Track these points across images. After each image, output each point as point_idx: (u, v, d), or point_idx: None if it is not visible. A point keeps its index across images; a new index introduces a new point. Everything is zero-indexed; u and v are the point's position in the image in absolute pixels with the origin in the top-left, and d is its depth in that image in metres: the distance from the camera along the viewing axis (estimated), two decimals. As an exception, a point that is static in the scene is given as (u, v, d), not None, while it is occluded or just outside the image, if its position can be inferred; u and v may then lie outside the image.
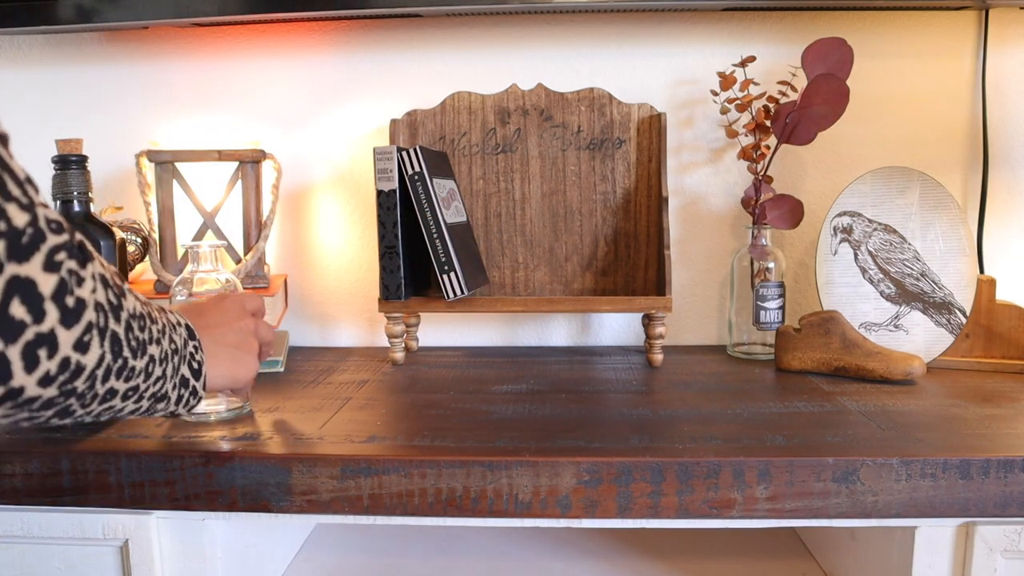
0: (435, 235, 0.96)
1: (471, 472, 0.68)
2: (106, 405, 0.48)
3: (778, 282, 1.04)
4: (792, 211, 1.03)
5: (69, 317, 0.41)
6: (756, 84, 1.06)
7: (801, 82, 0.99)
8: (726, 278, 1.17)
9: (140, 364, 0.50)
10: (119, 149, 1.19)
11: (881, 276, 0.99)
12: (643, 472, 0.67)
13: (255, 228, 1.06)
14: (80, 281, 0.42)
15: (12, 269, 0.37)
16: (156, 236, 1.04)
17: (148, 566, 0.72)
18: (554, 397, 0.88)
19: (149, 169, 1.04)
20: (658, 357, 1.02)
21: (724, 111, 1.06)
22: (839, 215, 1.00)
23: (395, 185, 0.97)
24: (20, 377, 0.39)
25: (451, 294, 0.97)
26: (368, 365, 1.05)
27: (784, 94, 1.03)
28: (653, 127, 1.08)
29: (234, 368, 0.67)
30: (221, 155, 1.04)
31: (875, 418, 0.78)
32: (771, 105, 1.03)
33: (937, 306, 0.97)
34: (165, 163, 1.03)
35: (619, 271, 1.10)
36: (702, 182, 1.15)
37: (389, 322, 1.03)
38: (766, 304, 1.03)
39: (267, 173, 1.12)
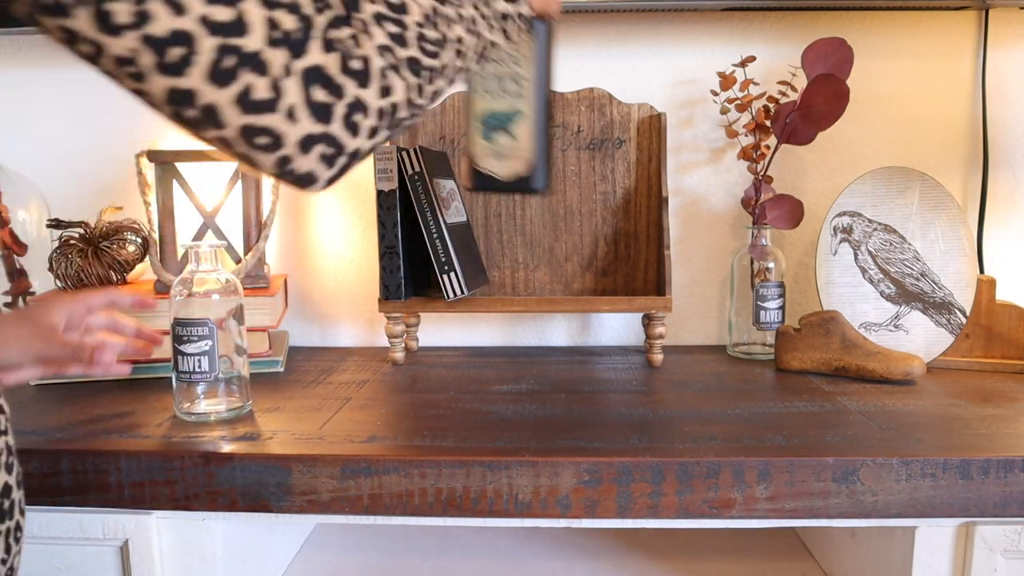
0: (435, 235, 0.96)
1: (471, 472, 0.68)
2: (433, 93, 0.52)
3: (778, 282, 1.04)
4: (792, 211, 1.03)
5: (363, 78, 0.45)
6: (756, 84, 1.06)
7: (801, 82, 0.99)
8: (726, 278, 1.17)
9: (447, 55, 0.52)
10: (119, 149, 1.18)
11: (881, 276, 0.99)
12: (643, 472, 0.67)
13: (255, 228, 1.06)
14: (359, 42, 0.46)
15: (300, 63, 0.43)
16: (156, 236, 1.04)
17: (148, 566, 0.72)
18: (554, 397, 0.88)
19: (149, 169, 1.04)
20: (658, 357, 1.02)
21: (724, 111, 1.06)
22: (839, 215, 1.00)
23: (395, 185, 0.97)
24: (351, 142, 0.46)
25: (451, 294, 0.97)
26: (368, 365, 1.05)
27: (784, 94, 1.03)
28: (653, 127, 1.08)
29: None
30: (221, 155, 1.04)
31: (875, 418, 0.78)
32: (771, 105, 1.03)
33: (937, 306, 0.97)
34: (165, 163, 1.03)
35: (619, 271, 1.10)
36: (702, 182, 1.15)
37: (389, 322, 1.03)
38: (766, 304, 1.03)
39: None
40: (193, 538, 0.72)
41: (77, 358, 0.70)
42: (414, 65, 0.49)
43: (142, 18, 0.39)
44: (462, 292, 0.97)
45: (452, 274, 0.96)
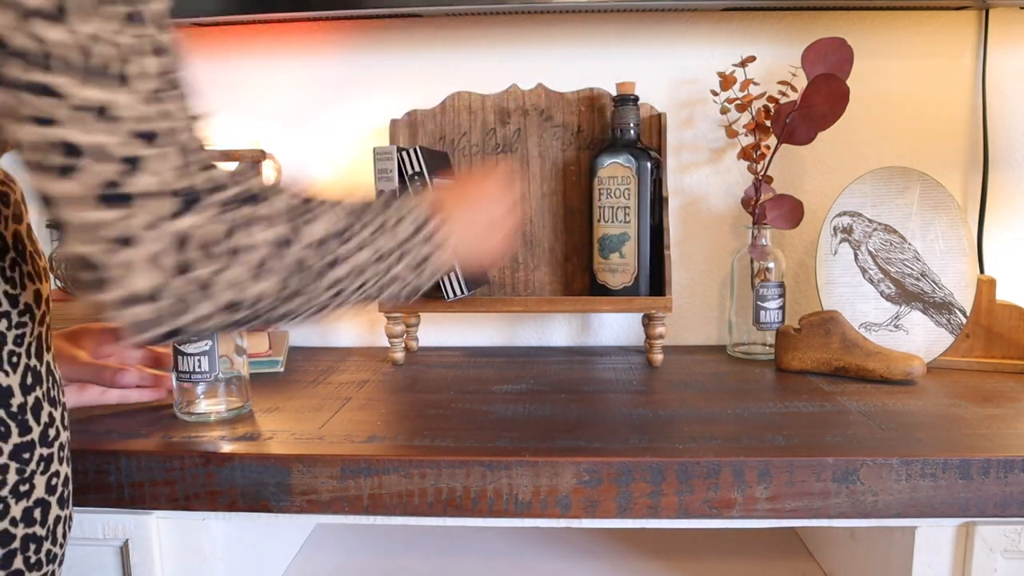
0: (435, 235, 0.96)
1: (471, 472, 0.68)
2: (309, 311, 0.52)
3: (778, 282, 1.04)
4: (792, 211, 1.03)
5: (238, 257, 0.45)
6: (756, 84, 1.06)
7: (801, 82, 0.99)
8: (726, 278, 1.17)
9: (340, 272, 0.52)
10: (119, 149, 1.18)
11: (881, 276, 0.99)
12: (643, 472, 0.67)
13: (255, 228, 1.06)
14: (251, 223, 0.46)
15: (182, 221, 0.43)
16: (156, 236, 1.04)
17: (148, 566, 0.72)
18: (554, 397, 0.88)
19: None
20: (658, 357, 1.02)
21: (724, 111, 1.06)
22: (839, 215, 1.00)
23: (395, 185, 0.97)
24: (195, 310, 0.44)
25: (451, 294, 0.97)
26: (368, 365, 1.05)
27: (784, 94, 1.03)
28: (653, 127, 1.08)
29: (483, 238, 0.67)
30: (221, 155, 1.04)
31: (875, 418, 0.78)
32: (771, 105, 1.03)
33: (937, 306, 0.97)
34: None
35: (619, 271, 1.10)
36: (702, 182, 1.15)
37: (389, 322, 1.03)
38: (766, 304, 1.03)
39: (267, 173, 1.12)
40: (193, 538, 0.72)
41: (98, 379, 0.72)
42: (297, 267, 0.49)
43: (55, 121, 0.40)
44: (462, 292, 0.97)
45: (452, 274, 0.96)
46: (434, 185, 0.70)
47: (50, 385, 0.56)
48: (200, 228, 0.44)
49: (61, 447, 0.56)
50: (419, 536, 1.03)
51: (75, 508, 0.71)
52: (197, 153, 0.46)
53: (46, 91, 0.40)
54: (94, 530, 0.72)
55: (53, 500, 0.55)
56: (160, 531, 0.72)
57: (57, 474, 0.56)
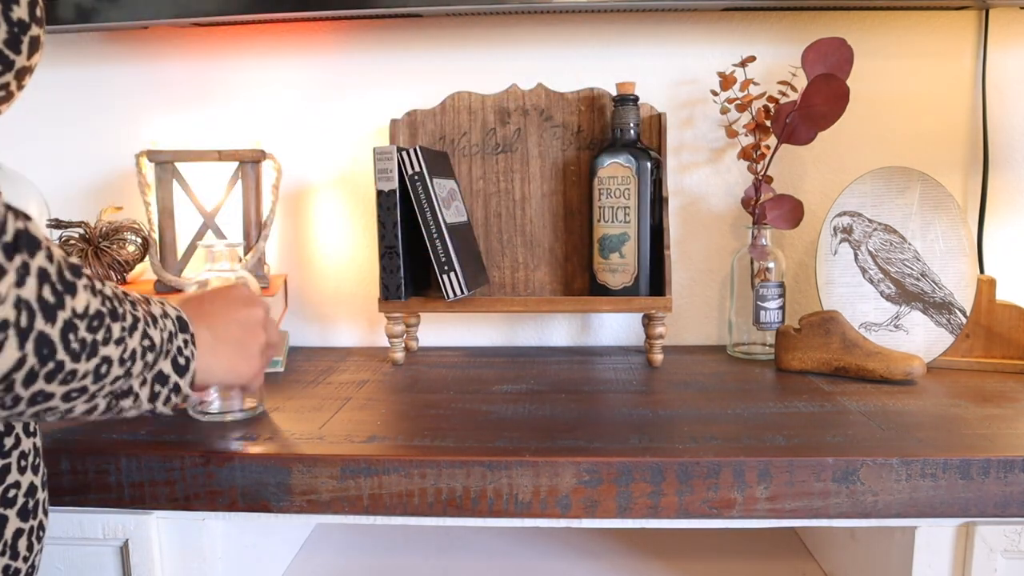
0: (435, 235, 0.96)
1: (471, 472, 0.68)
2: (39, 407, 0.45)
3: (778, 282, 1.04)
4: (792, 211, 1.03)
5: None
6: (756, 84, 1.06)
7: (801, 82, 0.99)
8: (726, 278, 1.17)
9: (86, 367, 0.45)
10: (119, 149, 1.19)
11: (881, 276, 0.99)
12: (643, 472, 0.67)
13: (255, 228, 1.06)
14: None
15: None
16: (156, 236, 1.04)
17: (148, 566, 0.72)
18: (554, 397, 0.88)
19: (149, 169, 1.04)
20: (658, 357, 1.02)
21: (724, 111, 1.06)
22: (839, 215, 1.00)
23: (395, 185, 0.97)
24: None
25: (451, 294, 0.97)
26: (368, 365, 1.05)
27: (784, 94, 1.03)
28: (653, 127, 1.08)
29: (236, 363, 0.62)
30: (221, 155, 1.04)
31: (875, 418, 0.78)
32: (771, 105, 1.03)
33: (937, 306, 0.97)
34: (165, 163, 1.03)
35: (619, 271, 1.10)
36: (702, 182, 1.15)
37: (389, 322, 1.03)
38: (766, 304, 1.03)
39: (267, 173, 1.12)
40: (193, 538, 0.72)
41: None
42: (44, 347, 0.42)
43: None
44: (462, 292, 0.97)
45: (452, 274, 0.96)
46: (182, 295, 0.64)
47: None
48: None
49: (23, 455, 0.53)
50: (419, 536, 1.03)
51: (75, 508, 0.71)
52: None
53: None
54: (94, 530, 0.72)
55: (11, 512, 0.52)
56: (160, 531, 0.72)
57: (16, 484, 0.52)
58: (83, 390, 0.46)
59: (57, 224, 1.01)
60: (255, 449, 0.70)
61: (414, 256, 1.03)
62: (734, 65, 1.04)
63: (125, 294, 0.51)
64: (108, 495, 0.70)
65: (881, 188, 1.00)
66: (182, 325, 0.56)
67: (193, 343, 0.57)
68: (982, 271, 1.09)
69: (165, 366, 0.54)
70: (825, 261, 1.00)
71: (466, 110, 1.11)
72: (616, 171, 1.00)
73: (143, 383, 0.53)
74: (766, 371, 0.99)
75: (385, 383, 0.95)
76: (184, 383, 0.56)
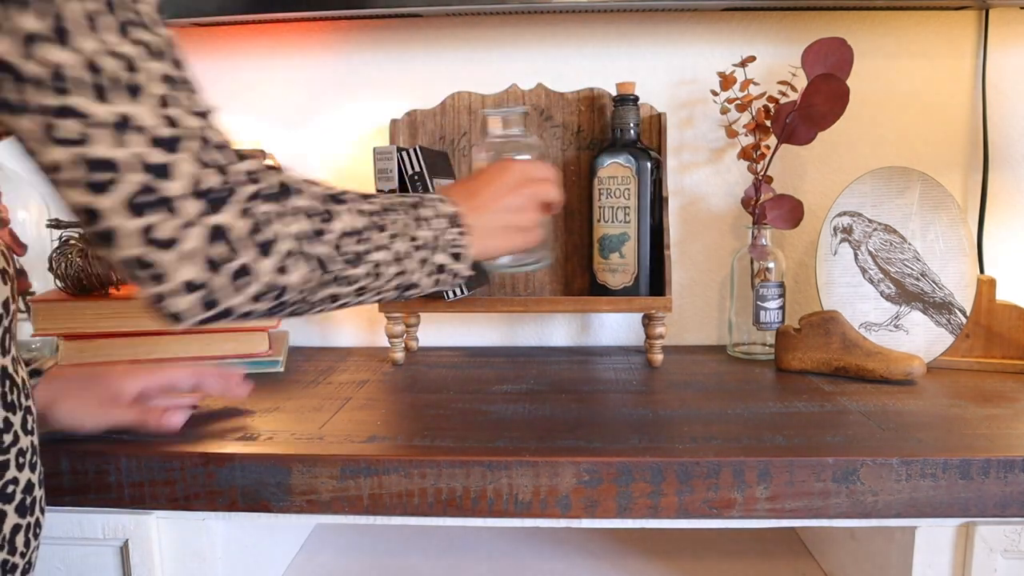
0: (435, 235, 0.96)
1: (471, 472, 0.68)
2: (337, 303, 0.57)
3: (778, 282, 1.04)
4: (792, 211, 1.03)
5: (264, 249, 0.49)
6: (756, 84, 1.05)
7: (801, 82, 0.99)
8: (726, 278, 1.17)
9: (360, 271, 0.56)
10: (119, 149, 1.18)
11: (881, 276, 0.99)
12: (643, 472, 0.67)
13: (255, 228, 1.06)
14: (275, 218, 0.50)
15: (211, 219, 0.46)
16: (156, 236, 1.04)
17: (148, 566, 0.72)
18: (554, 397, 0.88)
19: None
20: (658, 357, 1.02)
21: (724, 111, 1.06)
22: (839, 215, 1.00)
23: (395, 185, 0.97)
24: (229, 299, 0.48)
25: (451, 294, 0.97)
26: (368, 365, 1.05)
27: (784, 94, 1.03)
28: (653, 127, 1.08)
29: (510, 238, 0.70)
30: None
31: (875, 418, 0.78)
32: (771, 105, 1.03)
33: (937, 306, 0.97)
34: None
35: (619, 271, 1.10)
36: (702, 182, 1.15)
37: (389, 322, 1.03)
38: (766, 304, 1.03)
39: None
40: (193, 538, 0.72)
41: (143, 425, 0.72)
42: (321, 262, 0.53)
43: (84, 139, 0.43)
44: (462, 292, 0.97)
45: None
46: (456, 183, 0.72)
47: (7, 389, 0.54)
48: (230, 224, 0.47)
49: (21, 452, 0.55)
50: (419, 536, 1.03)
51: (75, 508, 0.71)
52: (220, 150, 0.48)
53: (68, 112, 0.43)
54: (94, 530, 0.72)
55: (9, 508, 0.54)
56: (160, 531, 0.72)
57: (15, 481, 0.54)
58: (364, 289, 0.58)
59: (57, 224, 1.00)
60: (255, 449, 0.70)
61: (414, 256, 1.03)
62: (734, 65, 1.04)
63: (398, 203, 0.61)
64: (108, 495, 0.70)
65: (881, 188, 1.00)
66: (453, 220, 0.65)
67: (465, 234, 0.65)
68: (982, 271, 1.09)
69: (441, 258, 0.63)
70: (825, 261, 1.00)
71: (466, 110, 1.11)
72: (616, 171, 1.00)
73: (427, 273, 0.63)
74: (766, 371, 0.99)
75: (385, 383, 0.95)
76: (462, 268, 0.65)
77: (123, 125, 0.44)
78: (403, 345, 1.05)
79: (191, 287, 0.47)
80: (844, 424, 0.76)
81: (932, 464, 0.66)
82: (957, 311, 0.97)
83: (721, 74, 1.04)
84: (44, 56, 0.42)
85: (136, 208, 0.44)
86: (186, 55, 0.49)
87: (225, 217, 0.47)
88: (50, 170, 0.44)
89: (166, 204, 0.45)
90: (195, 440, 0.73)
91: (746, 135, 1.06)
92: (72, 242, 1.01)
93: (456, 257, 0.65)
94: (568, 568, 0.93)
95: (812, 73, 0.96)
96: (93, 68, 0.43)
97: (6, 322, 0.55)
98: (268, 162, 1.06)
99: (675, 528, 0.82)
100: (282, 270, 0.50)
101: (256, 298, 0.50)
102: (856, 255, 1.00)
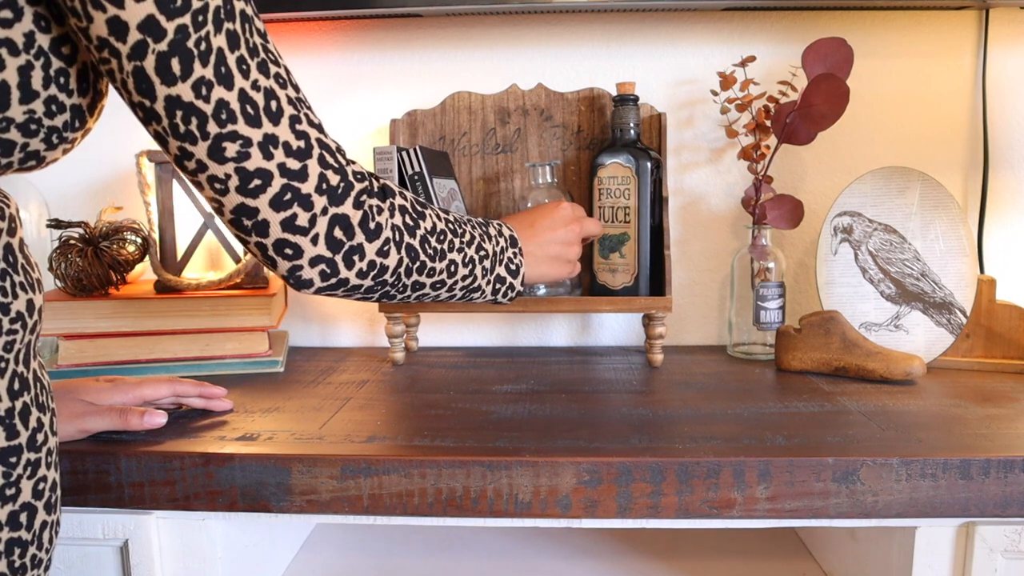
0: (435, 235, 0.96)
1: (471, 472, 0.68)
2: (418, 292, 0.69)
3: (778, 282, 1.04)
4: (792, 211, 1.03)
5: (371, 235, 0.62)
6: (756, 84, 1.06)
7: (801, 82, 0.99)
8: (726, 278, 1.17)
9: (440, 265, 0.69)
10: (119, 149, 1.19)
11: (881, 276, 0.99)
12: (643, 472, 0.67)
13: (255, 228, 1.06)
14: (379, 211, 0.63)
15: (333, 209, 0.59)
16: (156, 236, 1.04)
17: (148, 566, 0.72)
18: (554, 397, 0.88)
19: (149, 169, 1.04)
20: (658, 357, 1.02)
21: (724, 111, 1.06)
22: (839, 215, 1.00)
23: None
24: (344, 272, 0.62)
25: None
26: (368, 365, 1.05)
27: (784, 94, 1.03)
28: (653, 127, 1.08)
29: (554, 269, 0.83)
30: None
31: (875, 418, 0.78)
32: (771, 105, 1.03)
33: (937, 306, 0.97)
34: (165, 163, 1.03)
35: (619, 271, 1.10)
36: (702, 182, 1.15)
37: (389, 322, 1.03)
38: (766, 304, 1.03)
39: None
40: (193, 538, 0.72)
41: (125, 425, 0.74)
42: (411, 251, 0.66)
43: (241, 156, 0.55)
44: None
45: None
46: (516, 215, 0.84)
47: (38, 391, 0.56)
48: (348, 213, 0.60)
49: (49, 452, 0.57)
50: (419, 536, 1.03)
51: (75, 508, 0.71)
52: (336, 154, 0.60)
53: (233, 137, 0.54)
54: (94, 530, 0.72)
55: (40, 505, 0.56)
56: (160, 531, 0.72)
57: (44, 479, 0.56)
58: (441, 283, 0.70)
59: (57, 224, 1.01)
60: (255, 449, 0.70)
61: (414, 256, 1.03)
62: (734, 65, 1.04)
63: (468, 220, 0.74)
64: (108, 495, 0.70)
65: (881, 188, 1.00)
66: (512, 241, 0.78)
67: (521, 255, 0.78)
68: (982, 271, 1.09)
69: (501, 270, 0.76)
70: (825, 261, 1.00)
71: (466, 110, 1.11)
72: (616, 171, 1.00)
73: (487, 281, 0.75)
74: (766, 371, 0.99)
75: (385, 383, 0.95)
76: (517, 283, 0.78)
77: (269, 143, 0.55)
78: (403, 345, 1.05)
79: (318, 261, 0.60)
80: (844, 424, 0.76)
81: (932, 464, 0.66)
82: (957, 311, 0.97)
83: (721, 74, 1.04)
84: (211, 95, 0.53)
85: (279, 205, 0.57)
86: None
87: (343, 208, 0.60)
88: (213, 181, 0.55)
89: (301, 200, 0.57)
90: (195, 440, 0.73)
91: (746, 135, 1.06)
92: (72, 242, 1.01)
93: (513, 273, 0.77)
94: (568, 568, 0.93)
95: (812, 73, 0.96)
96: (245, 100, 0.54)
97: (39, 328, 0.58)
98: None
99: (675, 528, 0.82)
100: (382, 253, 0.63)
101: (361, 274, 0.62)
102: (856, 255, 1.00)
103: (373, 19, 1.13)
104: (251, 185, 0.56)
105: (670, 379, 0.95)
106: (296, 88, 0.58)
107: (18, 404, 0.54)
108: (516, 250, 0.77)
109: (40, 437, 0.56)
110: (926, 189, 0.99)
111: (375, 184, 0.64)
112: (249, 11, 0.55)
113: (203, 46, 0.52)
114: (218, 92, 0.53)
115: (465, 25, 1.14)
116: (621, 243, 1.00)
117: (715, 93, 1.06)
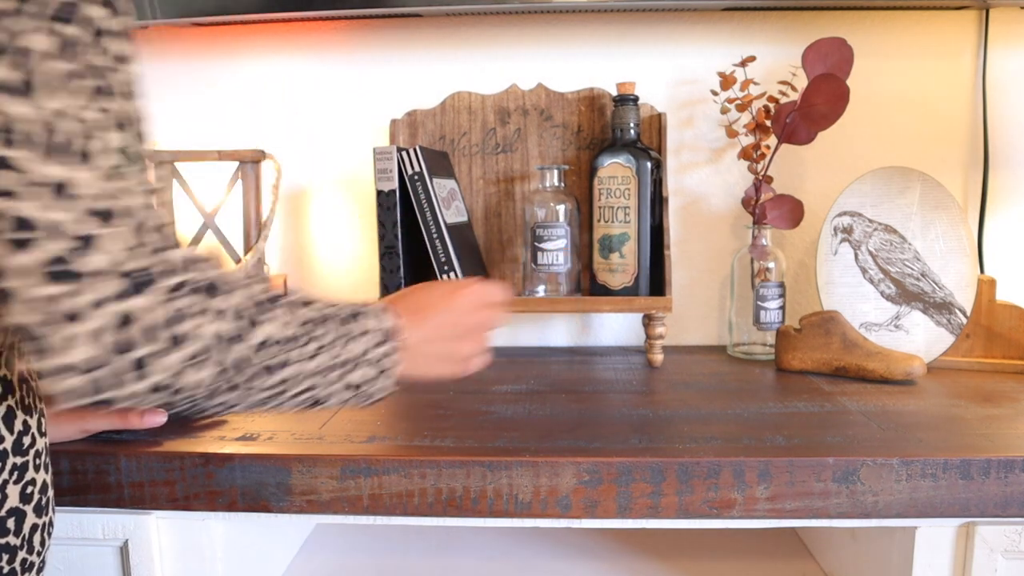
0: (435, 235, 0.96)
1: (471, 472, 0.68)
2: (229, 409, 0.54)
3: (778, 282, 1.04)
4: (792, 211, 1.03)
5: (176, 342, 0.46)
6: (756, 84, 1.05)
7: (801, 82, 0.99)
8: (726, 278, 1.17)
9: (271, 381, 0.53)
10: (119, 149, 1.18)
11: (881, 276, 0.99)
12: (643, 472, 0.67)
13: (255, 228, 1.06)
14: (197, 314, 0.47)
15: (126, 302, 0.44)
16: (156, 236, 1.04)
17: (148, 566, 0.72)
18: (554, 397, 0.88)
19: (149, 169, 1.04)
20: (658, 357, 1.02)
21: (724, 111, 1.06)
22: (839, 215, 1.00)
23: (395, 185, 0.97)
24: (119, 389, 0.45)
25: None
26: (368, 365, 1.05)
27: (784, 94, 1.03)
28: (653, 127, 1.08)
29: (434, 369, 0.66)
30: (221, 155, 1.04)
31: (875, 418, 0.78)
32: (771, 105, 1.03)
33: (937, 306, 0.97)
34: (165, 163, 1.03)
35: (619, 271, 1.10)
36: (702, 182, 1.15)
37: (389, 322, 1.03)
38: (766, 304, 1.03)
39: (267, 173, 1.12)
40: (193, 538, 0.72)
41: (124, 425, 0.74)
42: (231, 368, 0.50)
43: (13, 194, 0.42)
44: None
45: (452, 274, 0.96)
46: (410, 292, 0.69)
47: (24, 393, 0.55)
48: (146, 311, 0.45)
49: (38, 454, 0.56)
50: (419, 536, 1.02)
51: (75, 508, 0.71)
52: (154, 233, 0.46)
53: (5, 165, 0.41)
54: (94, 530, 0.72)
55: (29, 508, 0.55)
56: (160, 531, 0.72)
57: (33, 482, 0.55)
58: (267, 400, 0.54)
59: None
60: (255, 449, 0.70)
61: (414, 256, 1.03)
62: (734, 65, 1.04)
63: (330, 315, 0.57)
64: (108, 495, 0.70)
65: (881, 188, 1.00)
66: (388, 335, 0.61)
67: (396, 352, 0.61)
68: (982, 271, 1.09)
69: (360, 374, 0.59)
70: (825, 261, 1.00)
71: (466, 110, 1.11)
72: (616, 171, 1.00)
73: (336, 390, 0.58)
74: (766, 371, 0.99)
75: (385, 383, 0.95)
76: (382, 386, 0.61)
77: (59, 190, 0.42)
78: (403, 345, 1.05)
79: (82, 368, 0.43)
80: (844, 424, 0.76)
81: (932, 464, 0.66)
82: (957, 311, 0.97)
83: (721, 74, 1.04)
84: (0, 106, 0.41)
85: (46, 276, 0.42)
86: (149, 126, 0.48)
87: (143, 302, 0.45)
88: None
89: (78, 278, 0.43)
90: (195, 440, 0.73)
91: (746, 135, 1.06)
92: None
93: (381, 373, 0.61)
94: (568, 568, 0.93)
95: (812, 73, 0.96)
96: (48, 127, 0.42)
97: None
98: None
99: (675, 528, 0.82)
100: (188, 368, 0.47)
101: (154, 390, 0.46)
102: (856, 255, 1.00)
103: (373, 19, 1.13)
104: (12, 236, 0.43)
105: (670, 379, 0.95)
106: (140, 139, 0.48)
107: (1, 408, 0.53)
108: (392, 345, 0.61)
109: (27, 440, 0.55)
110: (926, 189, 0.99)
111: (203, 278, 0.49)
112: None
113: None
114: (10, 104, 0.42)
115: (465, 25, 1.14)
116: (621, 243, 1.00)
117: (715, 93, 1.06)
